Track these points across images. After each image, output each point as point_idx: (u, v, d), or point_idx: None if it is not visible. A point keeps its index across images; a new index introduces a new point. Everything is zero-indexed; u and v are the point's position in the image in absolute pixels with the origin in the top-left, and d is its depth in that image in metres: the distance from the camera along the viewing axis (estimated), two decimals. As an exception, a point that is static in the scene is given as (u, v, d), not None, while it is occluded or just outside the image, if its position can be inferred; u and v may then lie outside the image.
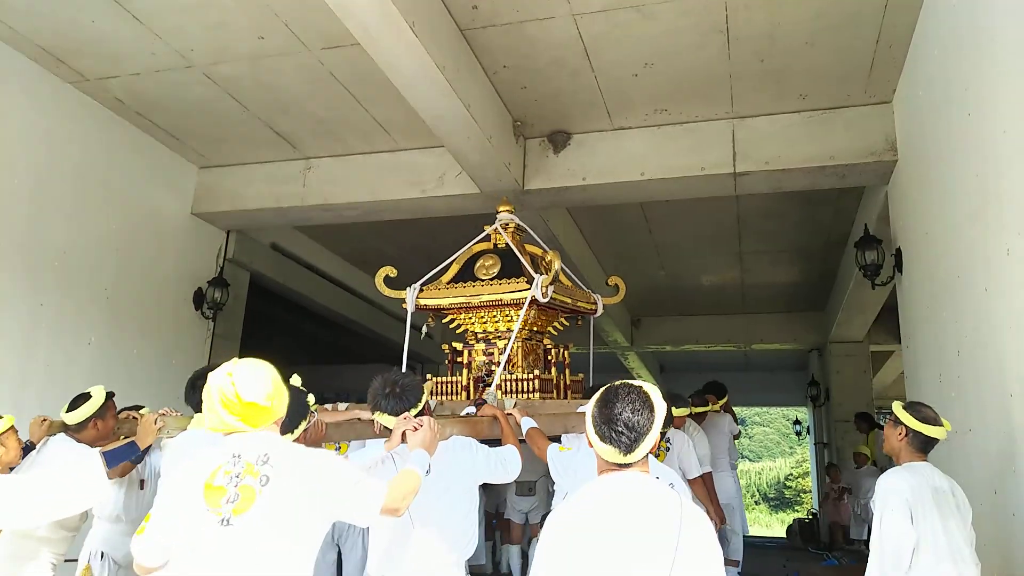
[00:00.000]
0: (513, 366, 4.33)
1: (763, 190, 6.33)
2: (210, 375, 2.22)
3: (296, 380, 3.07)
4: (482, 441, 3.32)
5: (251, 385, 2.17)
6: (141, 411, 4.03)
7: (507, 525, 6.72)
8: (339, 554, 4.69)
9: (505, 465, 3.18)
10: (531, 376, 4.27)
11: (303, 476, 2.13)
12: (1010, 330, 3.33)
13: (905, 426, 3.14)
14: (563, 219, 7.98)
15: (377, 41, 4.27)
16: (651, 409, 2.09)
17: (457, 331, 4.66)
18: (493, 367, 4.33)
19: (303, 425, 2.96)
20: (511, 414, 3.69)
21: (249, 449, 2.14)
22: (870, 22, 4.74)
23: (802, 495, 29.23)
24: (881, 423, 9.88)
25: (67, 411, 3.71)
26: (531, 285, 4.16)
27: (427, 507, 2.78)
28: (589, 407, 2.16)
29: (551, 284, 4.20)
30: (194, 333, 7.19)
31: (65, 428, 3.74)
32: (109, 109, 6.07)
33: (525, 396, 4.20)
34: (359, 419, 3.54)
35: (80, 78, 5.64)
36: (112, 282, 6.17)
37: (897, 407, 3.21)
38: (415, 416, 2.91)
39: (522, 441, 3.55)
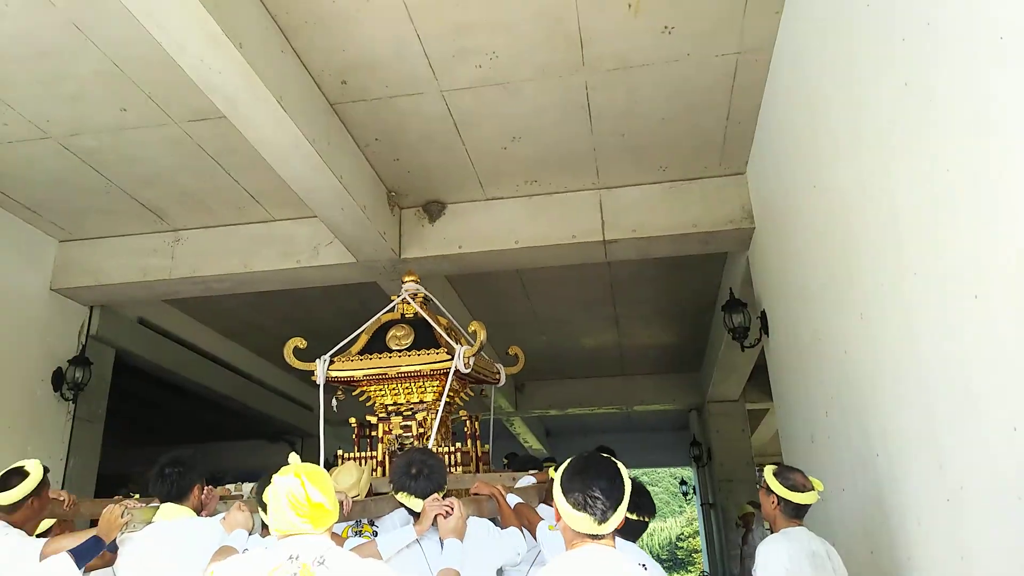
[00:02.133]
0: (426, 439, 4.25)
1: (632, 257, 6.57)
2: (276, 477, 2.27)
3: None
4: None
5: (319, 488, 2.24)
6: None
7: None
8: None
9: (514, 545, 3.10)
10: (452, 449, 4.23)
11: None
12: (870, 391, 3.43)
13: (775, 494, 3.20)
14: (442, 287, 8.02)
15: (245, 116, 4.28)
16: (623, 481, 2.11)
17: (367, 404, 4.57)
18: (405, 441, 4.27)
19: None
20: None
21: (306, 551, 2.15)
22: (719, 102, 5.09)
23: (694, 555, 29.53)
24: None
25: None
26: (452, 356, 4.14)
27: None
28: (559, 475, 2.16)
29: (474, 355, 4.19)
30: (52, 416, 6.72)
31: None
32: (-44, 181, 5.75)
33: (449, 471, 4.14)
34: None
35: (-76, 148, 5.33)
36: (-42, 363, 5.73)
37: (768, 474, 3.26)
38: (442, 497, 2.86)
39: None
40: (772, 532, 3.31)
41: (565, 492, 2.09)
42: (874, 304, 3.27)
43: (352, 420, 4.52)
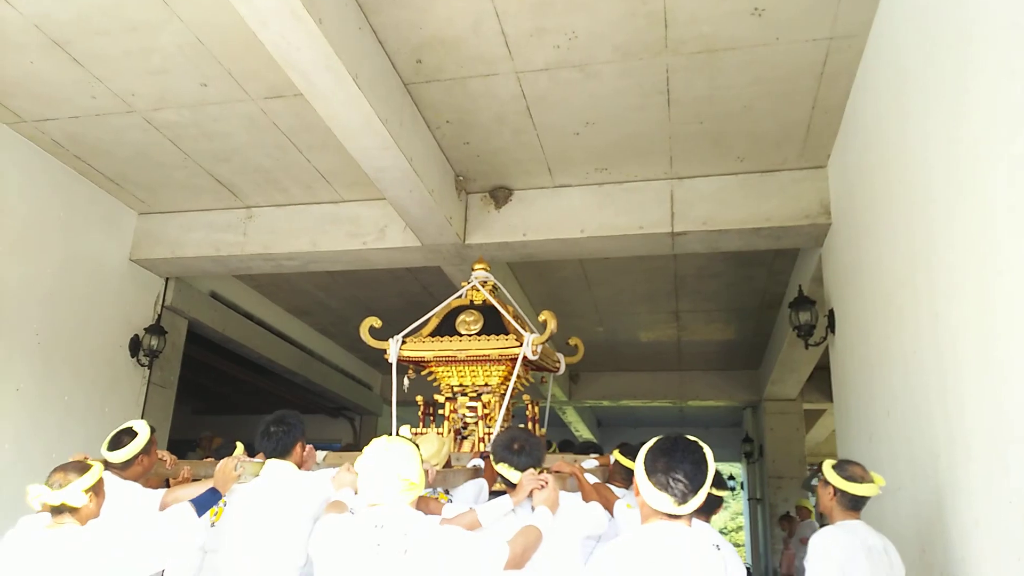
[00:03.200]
0: (490, 420, 4.40)
1: (700, 250, 6.44)
2: (368, 450, 2.43)
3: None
4: None
5: (408, 463, 2.42)
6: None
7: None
8: None
9: (599, 520, 3.25)
10: None
11: (438, 548, 2.33)
12: (936, 393, 3.38)
13: (832, 486, 3.18)
14: (503, 273, 8.03)
15: (321, 93, 4.29)
16: (707, 464, 2.16)
17: (433, 384, 4.69)
18: (469, 421, 4.43)
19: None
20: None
21: (391, 521, 2.34)
22: (806, 90, 4.90)
23: (737, 549, 29.34)
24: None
25: (110, 448, 3.51)
26: (521, 343, 4.28)
27: (549, 561, 2.86)
28: (643, 452, 2.23)
29: (543, 343, 4.33)
30: (129, 381, 6.98)
31: (107, 466, 3.45)
32: (46, 151, 5.94)
33: None
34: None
35: (16, 119, 5.52)
36: (44, 327, 5.96)
37: (826, 466, 3.25)
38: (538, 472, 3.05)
39: None
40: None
41: (648, 471, 2.15)
42: (952, 304, 3.18)
43: (419, 399, 4.61)
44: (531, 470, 3.06)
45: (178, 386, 7.83)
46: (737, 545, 28.78)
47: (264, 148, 5.82)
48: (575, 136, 5.57)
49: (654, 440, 2.23)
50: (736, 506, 29.29)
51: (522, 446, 3.12)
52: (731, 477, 20.42)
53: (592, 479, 3.66)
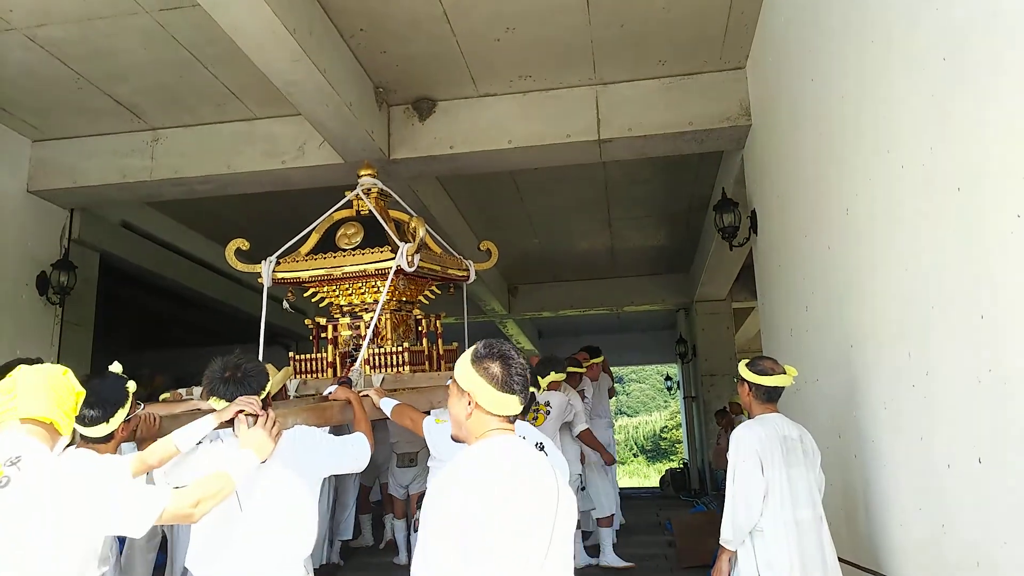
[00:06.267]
0: (382, 339, 4.20)
1: (627, 156, 6.45)
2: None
3: (116, 368, 2.82)
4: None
5: (38, 376, 2.05)
6: None
7: (390, 499, 6.61)
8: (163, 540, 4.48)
9: (351, 453, 2.91)
10: (400, 349, 4.13)
11: (53, 483, 1.91)
12: (849, 285, 3.56)
13: (748, 382, 3.34)
14: (433, 188, 7.87)
15: (218, 2, 3.99)
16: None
17: (321, 304, 4.48)
18: (360, 341, 4.18)
19: (120, 414, 2.72)
20: (367, 395, 3.54)
21: (3, 448, 1.94)
22: (722, -12, 4.83)
23: (676, 446, 30.79)
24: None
25: None
26: (396, 254, 4.01)
27: (263, 501, 2.55)
28: (476, 367, 1.99)
29: (417, 252, 4.08)
30: (40, 321, 6.65)
31: None
32: (-82, 77, 5.44)
33: (395, 370, 4.06)
34: (199, 409, 3.22)
35: None
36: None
37: (741, 365, 3.41)
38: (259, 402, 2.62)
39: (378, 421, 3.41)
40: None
41: (492, 378, 1.96)
42: (861, 199, 3.31)
43: (308, 322, 4.44)
44: (251, 399, 2.58)
45: (102, 324, 7.50)
46: (677, 442, 30.15)
47: (165, 65, 5.44)
48: (496, 42, 5.39)
49: (486, 347, 2.02)
50: (674, 405, 30.52)
51: (233, 374, 2.62)
52: (668, 378, 21.07)
53: (390, 404, 3.46)
